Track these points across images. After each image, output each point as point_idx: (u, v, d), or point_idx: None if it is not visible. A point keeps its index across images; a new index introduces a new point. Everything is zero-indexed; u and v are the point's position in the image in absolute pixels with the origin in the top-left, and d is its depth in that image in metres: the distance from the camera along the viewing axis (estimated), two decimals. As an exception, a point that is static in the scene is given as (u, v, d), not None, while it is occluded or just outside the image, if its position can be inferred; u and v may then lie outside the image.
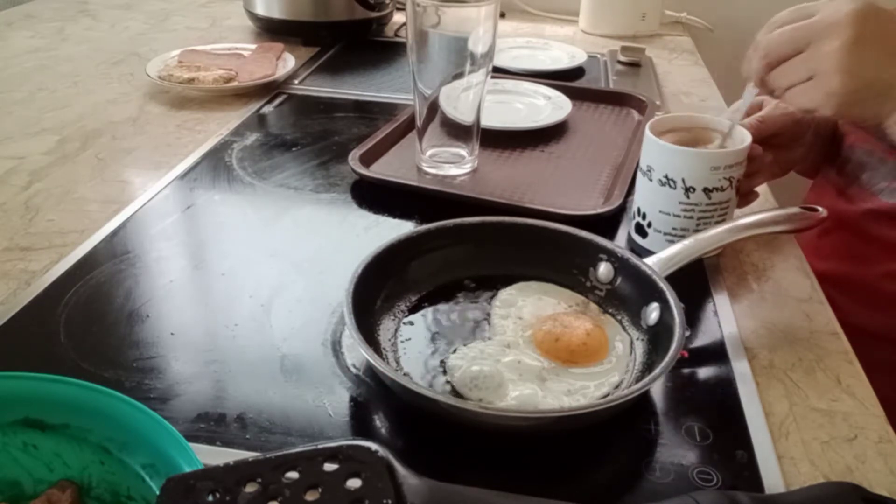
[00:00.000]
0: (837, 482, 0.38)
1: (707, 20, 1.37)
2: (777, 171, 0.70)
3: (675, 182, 0.58)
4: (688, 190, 0.58)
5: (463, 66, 0.68)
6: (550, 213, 0.65)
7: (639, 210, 0.62)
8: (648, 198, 0.61)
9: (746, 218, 0.57)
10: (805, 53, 0.53)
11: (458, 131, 0.74)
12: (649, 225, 0.61)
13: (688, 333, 0.47)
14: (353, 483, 0.31)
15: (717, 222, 0.60)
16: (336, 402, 0.47)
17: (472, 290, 0.56)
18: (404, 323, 0.53)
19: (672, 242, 0.57)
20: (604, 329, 0.52)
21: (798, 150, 0.71)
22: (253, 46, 1.09)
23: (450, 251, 0.57)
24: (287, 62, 1.03)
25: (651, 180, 0.60)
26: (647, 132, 0.60)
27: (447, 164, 0.75)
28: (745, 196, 0.65)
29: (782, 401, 0.49)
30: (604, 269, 0.55)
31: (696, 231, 0.59)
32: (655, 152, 0.60)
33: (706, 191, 0.58)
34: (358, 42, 1.19)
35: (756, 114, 0.67)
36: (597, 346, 0.50)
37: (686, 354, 0.52)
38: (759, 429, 0.46)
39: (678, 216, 0.59)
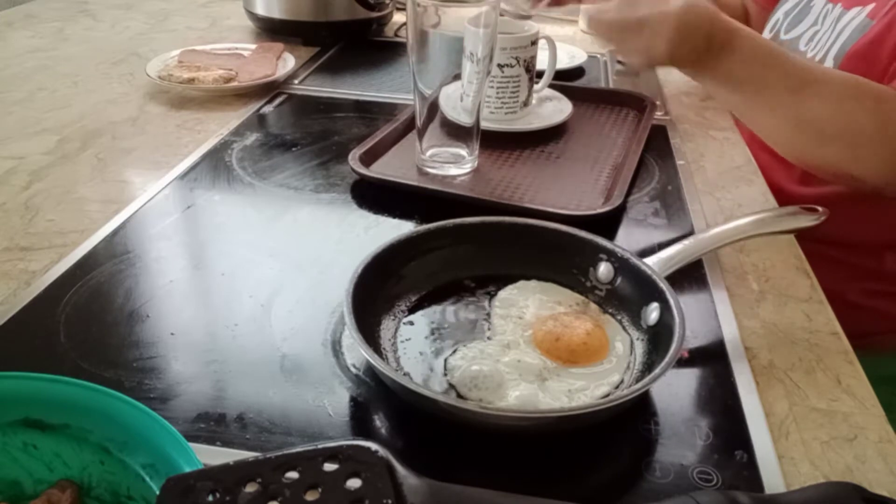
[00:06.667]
0: (837, 482, 0.38)
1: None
2: None
3: (481, 59, 0.69)
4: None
5: (463, 66, 0.68)
6: (550, 213, 0.65)
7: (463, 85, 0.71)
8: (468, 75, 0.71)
9: (746, 218, 0.58)
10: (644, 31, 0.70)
11: (457, 131, 0.74)
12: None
13: (688, 333, 0.47)
14: (353, 483, 0.31)
15: (513, 93, 0.82)
16: (336, 402, 0.47)
17: (472, 290, 0.56)
18: (404, 323, 0.53)
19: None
20: (604, 329, 0.52)
21: None
22: (253, 46, 1.09)
23: (450, 251, 0.57)
24: (287, 62, 1.03)
25: (471, 61, 0.69)
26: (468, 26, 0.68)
27: (447, 164, 0.75)
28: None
29: (782, 401, 0.49)
30: (604, 269, 0.55)
31: (499, 98, 0.82)
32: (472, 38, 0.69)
33: (499, 66, 0.80)
34: (358, 42, 1.19)
35: None
36: (597, 346, 0.50)
37: (686, 354, 0.52)
38: (759, 429, 0.46)
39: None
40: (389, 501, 0.31)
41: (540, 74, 0.90)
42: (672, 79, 1.09)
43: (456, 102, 0.71)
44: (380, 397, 0.47)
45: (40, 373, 0.39)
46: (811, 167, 0.74)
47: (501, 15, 0.75)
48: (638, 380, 0.47)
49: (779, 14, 0.94)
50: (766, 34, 0.93)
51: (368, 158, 0.75)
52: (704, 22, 0.69)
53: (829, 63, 0.81)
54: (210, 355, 0.50)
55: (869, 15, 0.80)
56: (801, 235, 0.68)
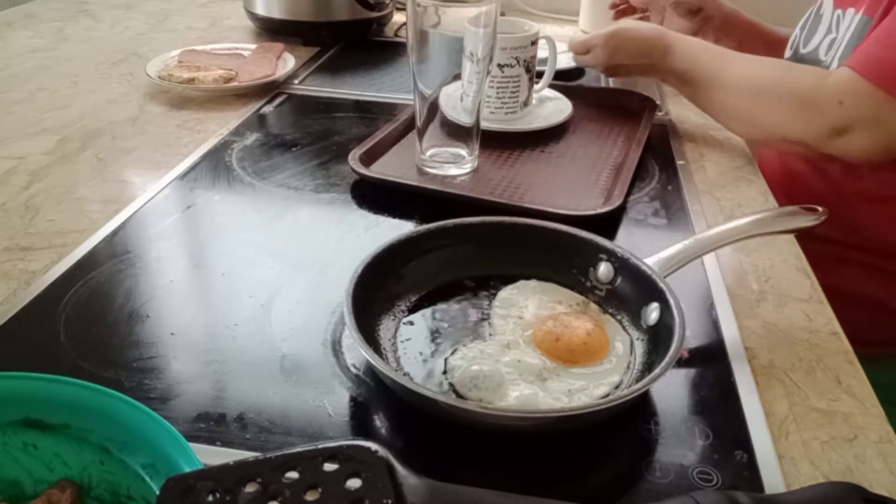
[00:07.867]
0: (837, 482, 0.38)
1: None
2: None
3: (481, 59, 0.69)
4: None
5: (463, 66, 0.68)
6: (550, 213, 0.65)
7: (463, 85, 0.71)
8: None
9: (746, 218, 0.57)
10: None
11: (457, 131, 0.74)
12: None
13: (688, 333, 0.47)
14: (353, 483, 0.31)
15: (513, 93, 0.83)
16: (336, 402, 0.47)
17: (472, 290, 0.56)
18: (404, 323, 0.53)
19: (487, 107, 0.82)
20: (604, 329, 0.52)
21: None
22: (253, 46, 1.09)
23: (450, 251, 0.57)
24: (287, 62, 1.03)
25: (471, 61, 0.69)
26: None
27: (447, 164, 0.75)
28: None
29: (782, 401, 0.49)
30: (604, 269, 0.55)
31: (499, 98, 0.83)
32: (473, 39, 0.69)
33: (499, 66, 0.81)
34: (358, 42, 1.19)
35: None
36: (597, 346, 0.50)
37: (686, 354, 0.52)
38: (759, 429, 0.46)
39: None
40: (389, 501, 0.31)
41: (540, 74, 0.90)
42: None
43: (456, 102, 0.71)
44: (380, 397, 0.47)
45: (40, 373, 0.39)
46: (754, 127, 0.82)
47: (502, 14, 0.75)
48: (638, 380, 0.47)
49: (796, 30, 0.95)
50: (788, 52, 0.95)
51: (368, 158, 0.75)
52: (629, 39, 0.87)
53: (834, 65, 0.81)
54: (210, 355, 0.50)
55: (865, 12, 0.80)
56: (842, 243, 0.68)
